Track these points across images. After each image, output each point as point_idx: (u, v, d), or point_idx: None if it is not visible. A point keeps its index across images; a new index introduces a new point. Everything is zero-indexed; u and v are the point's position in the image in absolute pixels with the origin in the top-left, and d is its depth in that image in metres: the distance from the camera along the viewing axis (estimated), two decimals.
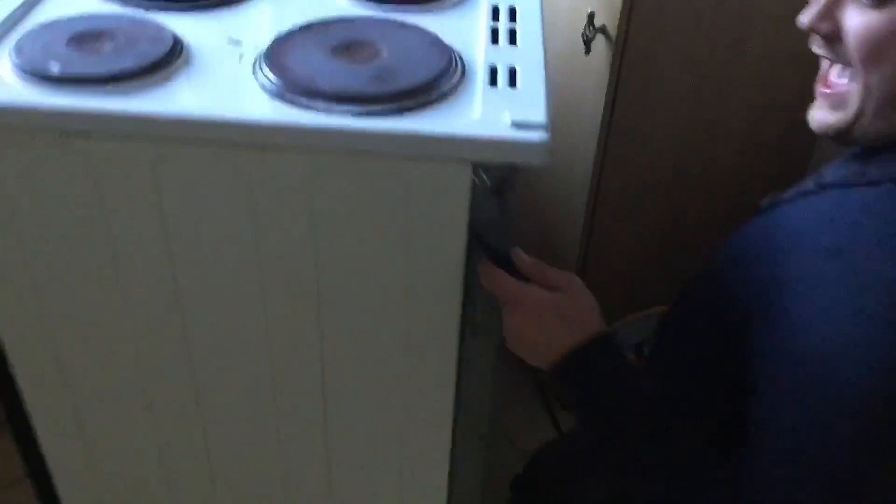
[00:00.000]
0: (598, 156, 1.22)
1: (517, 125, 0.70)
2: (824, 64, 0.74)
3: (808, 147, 1.48)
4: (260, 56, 0.79)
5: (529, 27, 0.87)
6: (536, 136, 0.70)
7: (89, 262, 0.81)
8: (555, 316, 0.75)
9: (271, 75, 0.76)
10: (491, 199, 0.82)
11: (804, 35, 0.73)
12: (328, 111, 0.72)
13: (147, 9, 0.87)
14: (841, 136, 0.73)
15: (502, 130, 0.70)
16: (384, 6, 0.90)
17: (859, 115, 0.70)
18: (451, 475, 0.99)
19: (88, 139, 0.72)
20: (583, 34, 1.11)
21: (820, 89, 0.74)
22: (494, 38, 0.86)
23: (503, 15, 0.90)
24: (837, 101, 0.72)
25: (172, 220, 0.77)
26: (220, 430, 0.95)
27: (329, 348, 0.86)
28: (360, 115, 0.72)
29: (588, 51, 1.12)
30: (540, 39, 0.85)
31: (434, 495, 0.99)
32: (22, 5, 0.86)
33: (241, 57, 0.80)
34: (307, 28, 0.84)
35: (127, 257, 0.80)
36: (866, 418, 0.61)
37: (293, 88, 0.74)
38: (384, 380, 0.89)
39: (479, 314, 0.84)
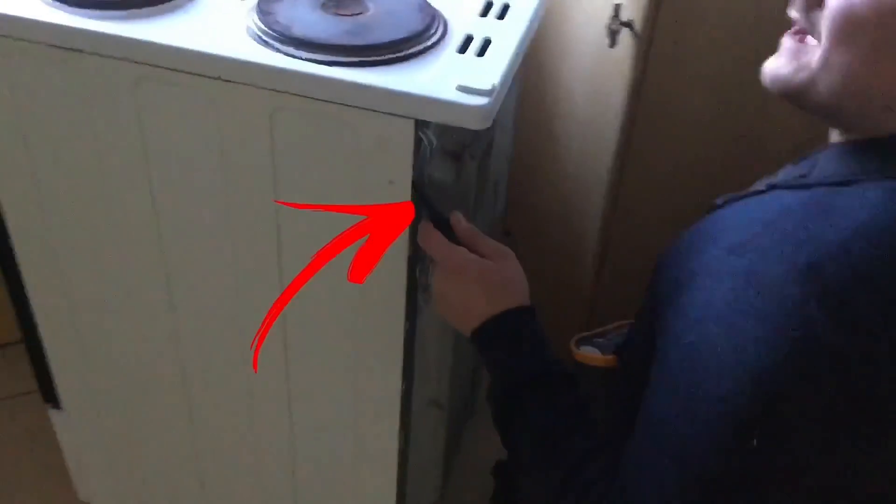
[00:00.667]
0: (619, 149, 1.21)
1: (462, 89, 0.72)
2: (795, 27, 0.69)
3: None
4: (254, 5, 0.84)
5: (524, 5, 0.89)
6: (477, 100, 0.71)
7: (80, 167, 0.89)
8: (476, 281, 0.77)
9: (256, 19, 0.81)
10: (445, 162, 0.84)
11: None
12: (293, 56, 0.76)
13: None
14: (791, 97, 0.68)
15: (446, 92, 0.72)
16: None
17: (812, 83, 0.65)
18: (406, 443, 1.01)
19: (81, 55, 0.79)
20: (608, 26, 1.11)
21: (783, 42, 0.70)
22: (487, 11, 0.88)
23: None
24: (795, 54, 0.67)
25: (150, 138, 0.84)
26: (192, 328, 1.01)
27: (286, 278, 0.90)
28: (322, 63, 0.75)
29: (613, 43, 1.12)
30: (528, 17, 0.86)
31: (385, 458, 1.02)
32: None
33: (242, 0, 0.85)
34: None
35: (110, 167, 0.87)
36: (733, 415, 0.60)
37: (268, 33, 0.78)
38: (336, 328, 0.92)
39: (429, 276, 0.86)
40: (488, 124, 0.73)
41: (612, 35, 1.11)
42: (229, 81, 0.77)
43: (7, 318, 1.16)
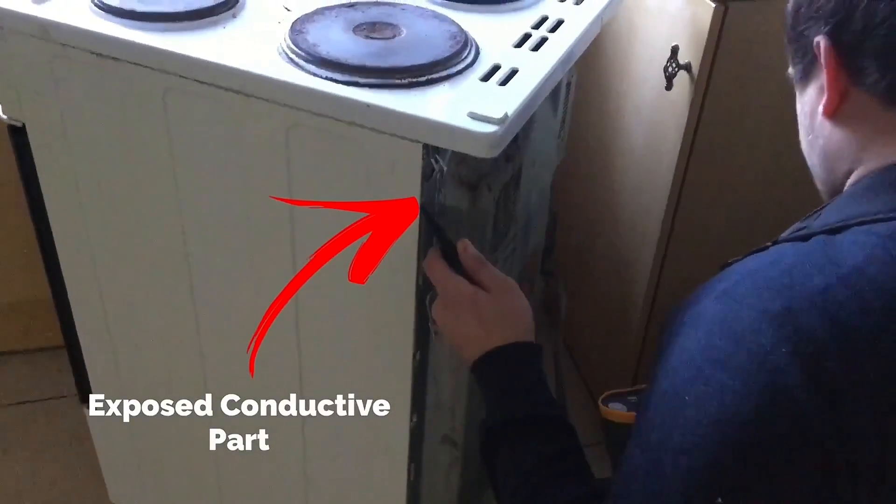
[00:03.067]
0: (672, 195, 1.16)
1: (473, 116, 0.71)
2: None
3: None
4: (294, 20, 0.85)
5: (561, 39, 0.87)
6: (486, 128, 0.69)
7: (113, 167, 0.92)
8: (473, 313, 0.74)
9: (287, 37, 0.81)
10: (460, 189, 0.83)
11: None
12: (314, 74, 0.76)
13: None
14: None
15: (454, 118, 0.70)
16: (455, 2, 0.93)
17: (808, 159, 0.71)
18: (417, 478, 0.99)
19: (117, 63, 0.82)
20: (665, 68, 1.07)
21: None
22: (523, 42, 0.86)
23: (547, 24, 0.90)
24: None
25: (177, 144, 0.86)
26: (212, 329, 1.01)
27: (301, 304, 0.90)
28: (340, 83, 0.75)
29: (669, 86, 1.08)
30: (563, 52, 0.84)
31: (394, 493, 0.99)
32: None
33: (280, 21, 0.87)
34: (350, 6, 0.89)
35: (140, 169, 0.90)
36: (698, 470, 0.55)
37: (294, 51, 0.79)
38: (346, 356, 0.91)
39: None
40: (496, 153, 0.70)
41: (669, 77, 1.07)
42: (250, 96, 0.78)
43: (51, 322, 1.20)
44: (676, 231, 1.20)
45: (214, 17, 0.86)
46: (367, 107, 0.73)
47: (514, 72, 0.80)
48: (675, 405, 0.58)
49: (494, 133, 0.69)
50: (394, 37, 0.84)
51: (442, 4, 0.93)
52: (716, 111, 1.08)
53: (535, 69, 0.80)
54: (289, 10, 0.89)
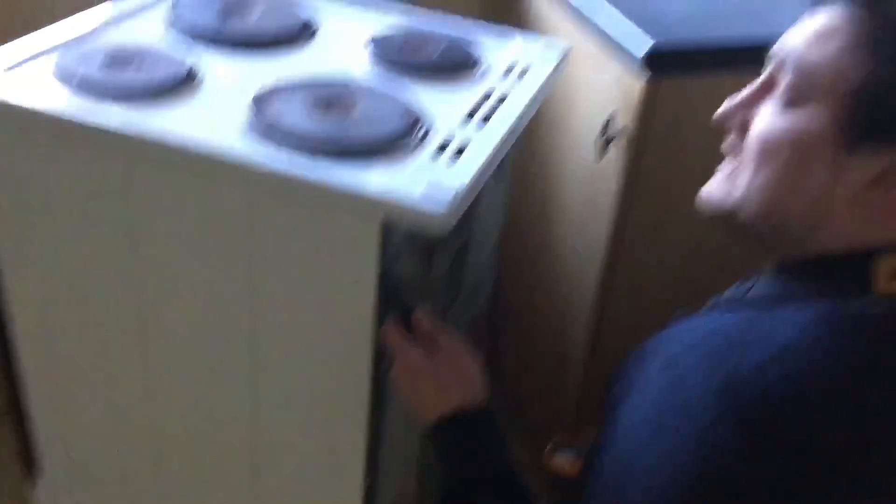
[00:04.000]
0: (608, 256, 1.22)
1: (427, 194, 0.75)
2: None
3: None
4: (255, 98, 0.88)
5: (506, 115, 0.92)
6: (438, 206, 0.74)
7: (73, 239, 0.92)
8: (428, 380, 0.78)
9: (247, 112, 0.85)
10: (416, 257, 0.87)
11: None
12: (273, 150, 0.80)
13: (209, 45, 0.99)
14: (721, 220, 0.71)
15: (411, 196, 0.74)
16: (391, 75, 0.98)
17: (739, 206, 0.68)
18: None
19: (79, 139, 0.84)
20: (598, 140, 1.13)
21: (719, 167, 0.73)
22: (471, 116, 0.91)
23: (492, 99, 0.95)
24: (727, 178, 0.70)
25: (136, 221, 0.87)
26: (165, 400, 1.02)
27: (258, 356, 0.92)
28: (296, 158, 0.79)
29: (602, 157, 1.14)
30: (507, 127, 0.89)
31: None
32: (92, 31, 1.00)
33: (240, 97, 0.89)
34: (307, 82, 0.93)
35: (98, 242, 0.91)
36: None
37: (253, 126, 0.82)
38: (299, 417, 0.93)
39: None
40: (448, 230, 0.75)
41: (603, 148, 1.14)
42: (211, 173, 0.80)
43: None
44: (613, 290, 1.26)
45: (176, 92, 0.89)
46: (325, 185, 0.76)
47: (463, 147, 0.84)
48: (629, 471, 0.62)
49: (446, 212, 0.74)
50: (350, 114, 0.87)
51: (391, 77, 0.97)
52: (647, 179, 1.15)
53: (483, 144, 0.85)
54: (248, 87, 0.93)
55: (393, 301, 0.82)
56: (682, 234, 1.24)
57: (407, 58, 1.02)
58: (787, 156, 0.65)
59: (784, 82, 0.66)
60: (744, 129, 0.69)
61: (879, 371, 0.61)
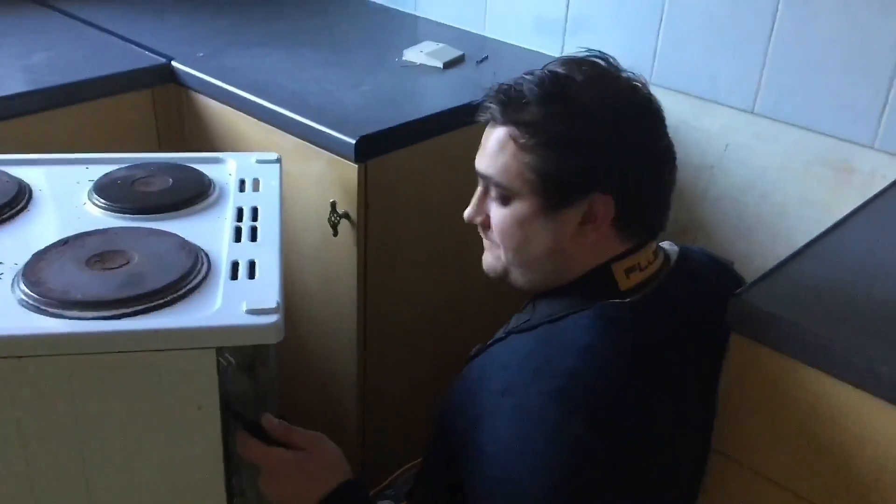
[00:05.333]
0: (359, 322, 1.36)
1: (252, 311, 0.82)
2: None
3: None
4: (18, 273, 0.87)
5: (268, 224, 1.01)
6: (268, 319, 0.82)
7: None
8: (299, 474, 0.85)
9: (27, 290, 0.84)
10: (242, 375, 0.93)
11: None
12: (81, 318, 0.81)
13: None
14: (502, 280, 0.94)
15: (239, 318, 0.82)
16: (139, 216, 1.01)
17: (508, 270, 0.94)
18: None
19: None
20: (329, 219, 1.27)
21: (485, 241, 0.98)
22: (238, 236, 0.99)
23: (246, 215, 1.04)
24: (491, 249, 0.96)
25: None
26: None
27: None
28: (110, 318, 0.81)
29: (336, 233, 1.28)
30: (277, 234, 0.99)
31: None
32: None
33: (1, 275, 0.88)
34: (64, 242, 0.93)
35: None
36: None
37: (47, 301, 0.82)
38: None
39: (244, 482, 0.92)
40: (282, 337, 0.83)
41: (334, 226, 1.28)
42: (22, 356, 0.79)
43: None
44: (370, 344, 1.40)
45: None
46: (154, 332, 0.80)
47: (252, 263, 0.92)
48: (509, 485, 0.77)
49: (278, 321, 0.82)
50: (128, 262, 0.90)
51: (133, 220, 1.00)
52: (378, 244, 1.31)
53: (268, 256, 0.94)
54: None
55: (239, 420, 0.87)
56: (418, 291, 1.43)
57: (141, 198, 1.04)
58: (518, 232, 0.90)
59: (493, 190, 0.91)
60: (486, 222, 0.94)
61: (637, 350, 0.85)
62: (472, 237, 1.48)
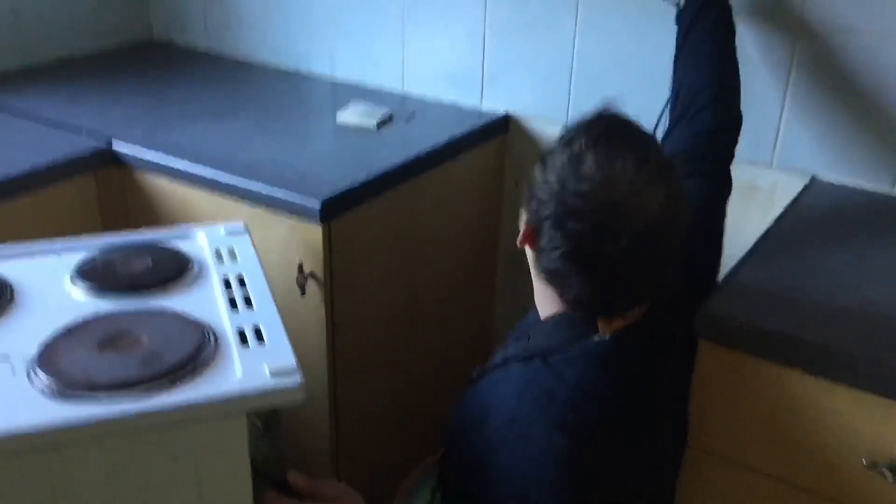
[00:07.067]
0: (330, 378, 1.41)
1: (275, 374, 0.88)
2: None
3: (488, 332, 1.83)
4: (32, 364, 0.89)
5: (259, 290, 1.06)
6: (293, 380, 0.87)
7: None
8: None
9: (49, 378, 0.86)
10: (264, 435, 0.97)
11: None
12: (112, 400, 0.84)
13: None
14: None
15: (264, 381, 0.87)
16: (129, 298, 1.04)
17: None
18: None
19: None
20: (297, 280, 1.33)
21: None
22: (234, 305, 1.03)
23: (234, 284, 1.08)
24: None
25: None
26: None
27: None
28: (142, 396, 0.84)
29: (304, 293, 1.34)
30: (270, 298, 1.04)
31: None
32: None
33: (13, 370, 0.89)
34: (68, 332, 0.95)
35: None
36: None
37: (74, 388, 0.85)
38: None
39: None
40: (306, 395, 0.89)
41: (302, 286, 1.33)
42: (60, 447, 0.81)
43: None
44: (339, 403, 1.45)
45: None
46: (186, 406, 0.84)
47: (258, 328, 0.97)
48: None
49: (301, 380, 0.87)
50: (139, 343, 0.93)
51: (126, 301, 1.03)
52: (344, 301, 1.38)
53: (270, 320, 0.99)
54: (6, 356, 0.91)
55: (266, 479, 0.92)
56: (383, 336, 1.50)
57: (126, 279, 1.07)
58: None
59: None
60: None
61: (623, 379, 0.96)
62: (435, 284, 1.59)
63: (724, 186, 1.16)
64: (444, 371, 1.73)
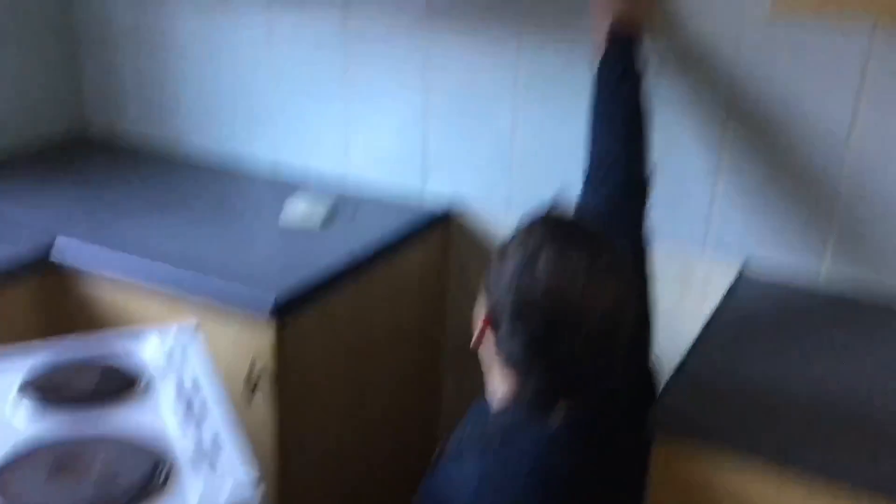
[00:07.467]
0: (279, 477, 1.40)
1: (231, 496, 0.88)
2: None
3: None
4: None
5: (212, 395, 1.06)
6: (254, 492, 0.87)
7: None
8: None
9: None
10: None
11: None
12: None
13: None
14: None
15: (229, 496, 0.86)
16: (77, 413, 1.02)
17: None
18: None
19: None
20: (247, 378, 1.32)
21: None
22: (189, 409, 1.02)
23: (187, 389, 1.07)
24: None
25: None
26: None
27: None
28: None
29: (255, 389, 1.33)
30: (223, 403, 1.04)
31: None
32: None
33: None
34: (16, 460, 0.92)
35: None
36: None
37: None
38: None
39: None
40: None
41: (254, 385, 1.33)
42: None
43: None
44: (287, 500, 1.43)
45: None
46: None
47: (216, 438, 0.96)
48: None
49: (263, 490, 0.88)
50: (91, 470, 0.91)
51: (73, 418, 1.01)
52: (294, 399, 1.39)
53: (222, 426, 0.99)
54: None
55: None
56: (334, 434, 1.50)
57: (73, 395, 1.05)
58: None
59: None
60: None
61: (579, 459, 0.99)
62: (384, 379, 1.59)
63: (639, 242, 1.21)
64: (392, 468, 1.74)
